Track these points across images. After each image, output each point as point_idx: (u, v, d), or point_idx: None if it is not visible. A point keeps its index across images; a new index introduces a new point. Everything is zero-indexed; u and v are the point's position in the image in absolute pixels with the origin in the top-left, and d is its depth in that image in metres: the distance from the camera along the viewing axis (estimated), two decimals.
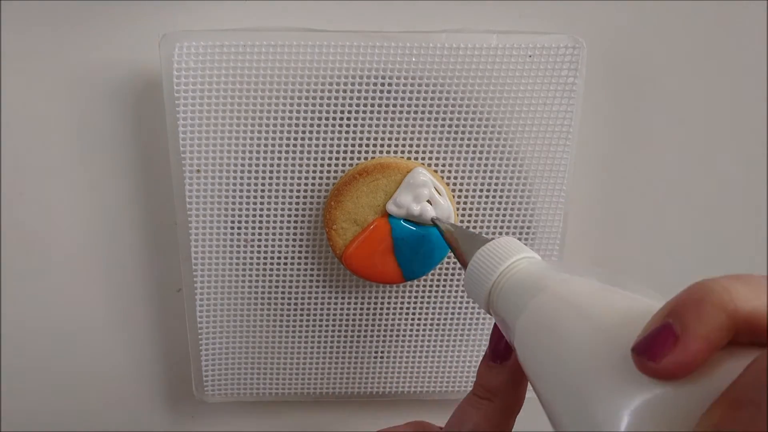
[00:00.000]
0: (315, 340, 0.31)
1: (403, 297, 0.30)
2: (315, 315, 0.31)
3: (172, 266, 0.31)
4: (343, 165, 0.28)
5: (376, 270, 0.28)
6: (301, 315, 0.30)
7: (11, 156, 0.29)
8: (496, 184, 0.29)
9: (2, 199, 0.30)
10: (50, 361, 0.33)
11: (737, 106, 0.30)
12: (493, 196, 0.29)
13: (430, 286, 0.30)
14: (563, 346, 0.17)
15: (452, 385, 0.32)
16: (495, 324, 0.23)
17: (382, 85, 0.27)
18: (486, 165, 0.28)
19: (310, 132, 0.27)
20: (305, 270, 0.30)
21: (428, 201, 0.27)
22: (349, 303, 0.30)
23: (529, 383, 0.20)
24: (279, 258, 0.29)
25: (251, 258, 0.29)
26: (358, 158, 0.28)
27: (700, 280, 0.15)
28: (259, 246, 0.29)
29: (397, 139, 0.28)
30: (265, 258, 0.29)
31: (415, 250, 0.28)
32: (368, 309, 0.31)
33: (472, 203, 0.29)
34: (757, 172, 0.32)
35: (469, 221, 0.29)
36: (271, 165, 0.28)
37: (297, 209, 0.29)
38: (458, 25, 0.28)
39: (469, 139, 0.28)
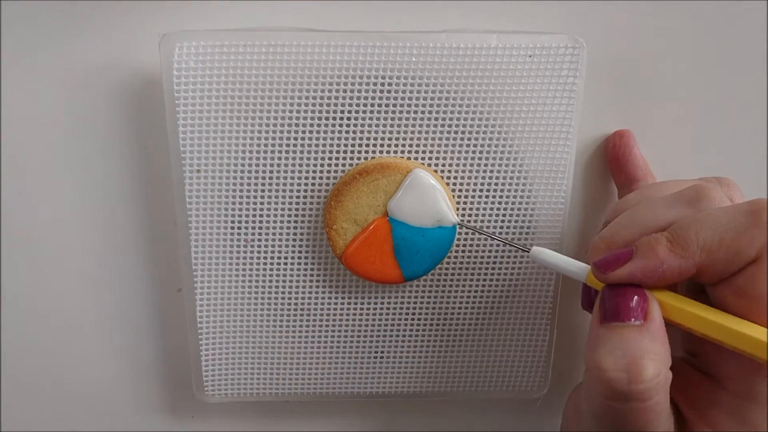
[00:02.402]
0: (315, 340, 0.31)
1: (403, 297, 0.30)
2: (315, 315, 0.31)
3: (172, 266, 0.31)
4: (343, 165, 0.28)
5: (376, 270, 0.28)
6: (301, 315, 0.30)
7: (11, 156, 0.29)
8: (496, 184, 0.29)
9: (1, 199, 0.30)
10: (49, 361, 0.33)
11: (738, 106, 0.30)
12: (493, 196, 0.29)
13: (430, 286, 0.30)
14: None
15: (452, 385, 0.32)
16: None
17: (382, 85, 0.27)
18: (486, 165, 0.28)
19: (310, 132, 0.27)
20: (305, 270, 0.30)
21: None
22: (349, 303, 0.30)
23: None
24: (279, 258, 0.29)
25: (251, 258, 0.29)
26: (358, 158, 0.28)
27: None
28: (259, 246, 0.29)
29: (397, 139, 0.28)
30: (265, 258, 0.29)
31: (415, 250, 0.28)
32: (368, 309, 0.31)
33: (472, 203, 0.29)
34: (758, 172, 0.32)
35: (469, 221, 0.29)
36: (271, 165, 0.28)
37: (297, 209, 0.29)
38: (458, 25, 0.28)
39: (469, 139, 0.28)
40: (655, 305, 0.22)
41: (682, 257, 0.21)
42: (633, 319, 0.21)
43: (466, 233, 0.29)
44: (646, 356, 0.20)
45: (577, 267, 0.24)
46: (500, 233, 0.29)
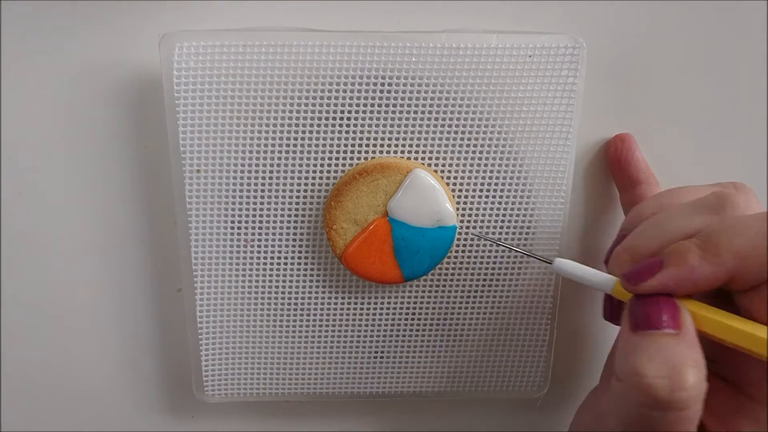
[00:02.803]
0: (315, 340, 0.31)
1: (403, 297, 0.30)
2: (315, 315, 0.31)
3: (172, 266, 0.31)
4: (343, 165, 0.28)
5: (376, 270, 0.28)
6: (301, 315, 0.30)
7: (11, 156, 0.29)
8: (496, 184, 0.29)
9: (1, 199, 0.30)
10: (49, 361, 0.33)
11: (737, 107, 0.30)
12: (493, 196, 0.29)
13: (430, 286, 0.30)
14: None
15: (452, 385, 0.32)
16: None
17: (382, 85, 0.27)
18: (486, 165, 0.28)
19: (310, 132, 0.27)
20: (305, 270, 0.30)
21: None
22: (349, 303, 0.30)
23: None
24: (279, 258, 0.29)
25: (251, 258, 0.29)
26: (358, 158, 0.28)
27: None
28: (259, 246, 0.29)
29: (397, 139, 0.28)
30: (265, 258, 0.29)
31: (415, 250, 0.28)
32: (368, 309, 0.31)
33: (472, 203, 0.29)
34: (758, 172, 0.32)
35: (469, 221, 0.29)
36: (271, 165, 0.28)
37: (297, 209, 0.29)
38: (458, 25, 0.28)
39: (469, 139, 0.28)
40: (687, 314, 0.21)
41: (714, 264, 0.20)
42: (666, 329, 0.20)
43: (467, 234, 0.29)
44: (687, 363, 0.19)
45: (602, 278, 0.24)
46: (500, 233, 0.29)
